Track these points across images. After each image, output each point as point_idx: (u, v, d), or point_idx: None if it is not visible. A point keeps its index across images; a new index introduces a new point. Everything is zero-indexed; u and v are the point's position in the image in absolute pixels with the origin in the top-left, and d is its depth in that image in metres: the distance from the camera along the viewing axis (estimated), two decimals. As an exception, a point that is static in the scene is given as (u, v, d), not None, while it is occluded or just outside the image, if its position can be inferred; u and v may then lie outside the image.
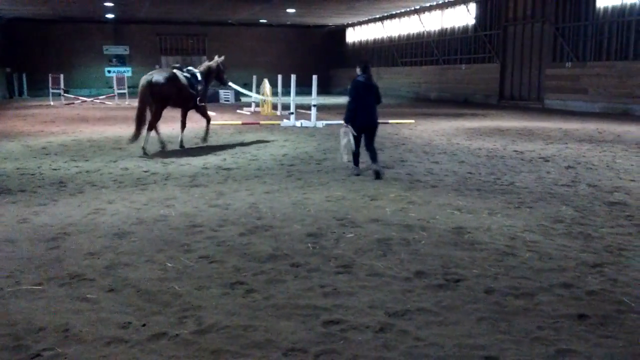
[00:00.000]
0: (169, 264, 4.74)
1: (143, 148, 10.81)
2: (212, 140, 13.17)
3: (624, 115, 19.80)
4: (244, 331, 3.55)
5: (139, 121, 10.76)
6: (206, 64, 12.00)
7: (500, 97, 26.88)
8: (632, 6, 20.46)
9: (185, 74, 11.20)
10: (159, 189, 7.79)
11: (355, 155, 8.71)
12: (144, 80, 10.71)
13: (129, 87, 29.98)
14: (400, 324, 3.62)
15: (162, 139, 11.40)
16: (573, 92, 22.78)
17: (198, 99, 11.40)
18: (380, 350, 3.30)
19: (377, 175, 8.35)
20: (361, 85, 8.40)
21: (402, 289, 4.20)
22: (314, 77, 16.41)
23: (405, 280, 4.38)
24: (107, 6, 30.81)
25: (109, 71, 39.53)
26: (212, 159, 10.35)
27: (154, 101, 10.70)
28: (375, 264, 4.71)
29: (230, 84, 12.07)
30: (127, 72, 38.02)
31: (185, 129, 12.01)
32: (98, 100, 29.33)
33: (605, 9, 21.58)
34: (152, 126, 10.92)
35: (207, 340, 3.43)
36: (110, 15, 35.92)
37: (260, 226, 5.83)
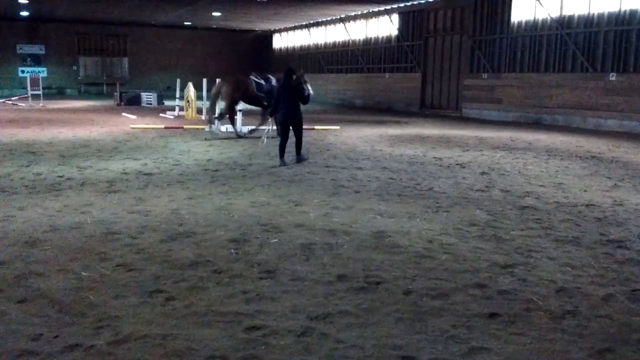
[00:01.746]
0: (84, 273, 4.56)
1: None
2: (132, 145, 12.79)
3: (535, 124, 21.00)
4: (163, 340, 3.47)
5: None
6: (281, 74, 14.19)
7: (421, 105, 27.78)
8: (544, 21, 21.78)
9: (257, 80, 13.66)
10: (74, 195, 7.48)
11: (280, 148, 10.24)
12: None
13: (43, 88, 28.55)
14: (322, 328, 3.66)
15: (235, 129, 14.40)
16: (489, 102, 23.92)
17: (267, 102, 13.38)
18: (301, 354, 3.33)
19: (298, 160, 10.30)
20: (283, 88, 10.32)
21: (324, 292, 4.25)
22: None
23: (327, 284, 4.43)
24: (21, 3, 29.24)
25: (22, 71, 37.43)
26: (131, 164, 10.05)
27: (225, 98, 13.90)
28: (298, 268, 4.74)
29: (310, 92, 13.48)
30: (42, 72, 36.19)
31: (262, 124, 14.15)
32: (10, 102, 27.74)
33: (519, 23, 22.84)
34: (223, 117, 14.50)
35: (124, 351, 3.33)
36: (24, 13, 34.12)
37: (182, 232, 5.72)
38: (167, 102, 29.17)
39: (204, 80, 20.05)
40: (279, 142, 10.39)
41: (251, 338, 3.52)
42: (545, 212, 6.94)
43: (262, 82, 13.64)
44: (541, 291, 4.36)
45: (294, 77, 10.48)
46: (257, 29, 43.21)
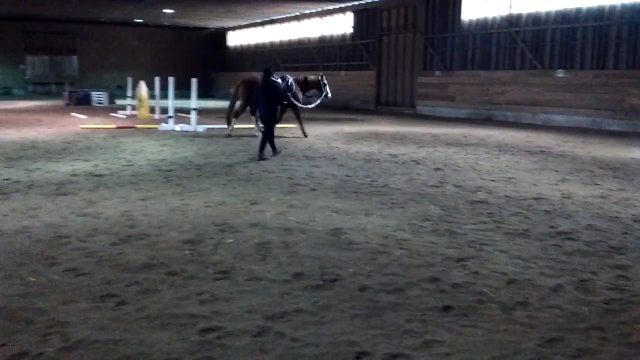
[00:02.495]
0: (32, 279, 4.40)
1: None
2: (82, 145, 12.45)
3: (487, 121, 21.51)
4: (114, 345, 3.39)
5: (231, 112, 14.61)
6: (306, 75, 15.13)
7: (376, 103, 28.04)
8: (493, 19, 22.30)
9: (274, 79, 13.57)
10: (21, 198, 7.22)
11: (261, 142, 10.79)
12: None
13: (-13, 88, 27.45)
14: (278, 327, 3.64)
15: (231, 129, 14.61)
16: (442, 99, 24.36)
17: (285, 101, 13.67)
18: (257, 355, 3.30)
19: (273, 154, 10.84)
20: (260, 87, 10.95)
21: (281, 291, 4.23)
22: (193, 80, 16.09)
23: (283, 282, 4.42)
24: (-40, -1, 28.06)
25: (-36, 71, 35.94)
26: (81, 165, 9.77)
27: (242, 97, 14.29)
28: (254, 268, 4.71)
29: (329, 93, 14.93)
30: (-14, 72, 34.81)
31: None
32: (-49, 102, 26.59)
33: (470, 22, 23.32)
34: (238, 115, 14.64)
35: (74, 357, 3.23)
36: (-36, 9, 32.73)
37: (134, 235, 5.60)
38: (118, 101, 28.53)
39: (156, 79, 19.69)
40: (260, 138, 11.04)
41: (206, 340, 3.47)
42: (496, 206, 7.10)
43: (280, 81, 13.97)
44: (493, 283, 4.46)
45: (272, 77, 11.11)
46: (210, 27, 42.72)
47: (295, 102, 13.93)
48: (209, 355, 3.29)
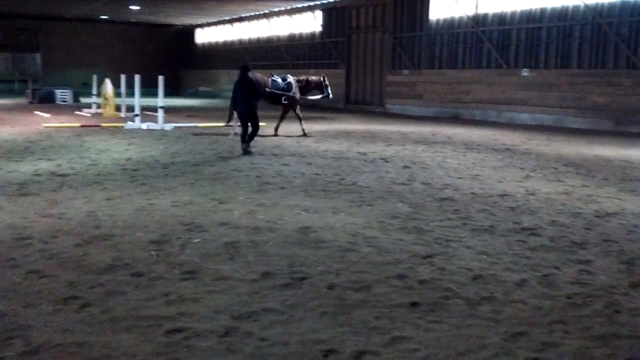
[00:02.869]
0: (-9, 282, 4.28)
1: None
2: (45, 144, 12.16)
3: (454, 119, 21.79)
4: (78, 348, 3.32)
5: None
6: (308, 76, 15.21)
7: (346, 101, 28.13)
8: (460, 19, 22.59)
9: (275, 79, 14.27)
10: (-20, 199, 7.00)
11: (241, 136, 11.21)
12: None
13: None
14: (246, 326, 3.62)
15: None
16: (410, 98, 24.58)
17: (285, 101, 14.35)
18: (224, 355, 3.28)
19: (244, 152, 10.97)
20: (237, 82, 11.18)
21: (249, 291, 4.21)
22: (160, 77, 15.87)
23: (251, 282, 4.39)
24: None
25: None
26: (44, 165, 9.54)
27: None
28: (222, 267, 4.67)
29: (330, 94, 15.10)
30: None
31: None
32: None
33: (437, 21, 23.58)
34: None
35: (35, 362, 3.15)
36: None
37: (99, 235, 5.49)
38: (83, 100, 27.96)
39: (122, 77, 19.36)
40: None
41: (172, 341, 3.42)
42: (462, 203, 7.20)
43: (280, 80, 14.38)
44: (459, 279, 4.51)
45: (249, 73, 11.33)
46: (178, 24, 42.20)
47: (285, 101, 14.31)
48: (175, 356, 3.25)
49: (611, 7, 17.99)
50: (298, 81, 14.59)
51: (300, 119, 14.91)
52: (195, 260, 4.82)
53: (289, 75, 14.79)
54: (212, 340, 3.44)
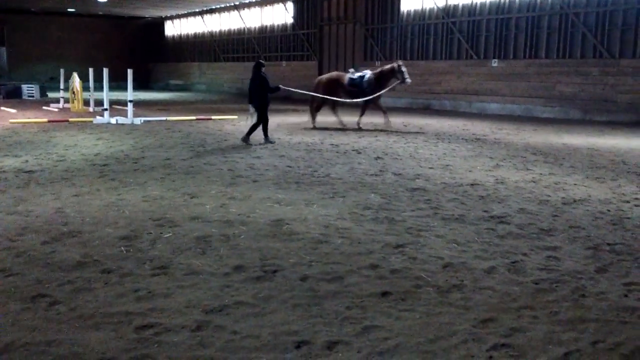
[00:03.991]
0: (-45, 282, 4.18)
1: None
2: (11, 141, 11.89)
3: (426, 110, 21.95)
4: (47, 347, 3.26)
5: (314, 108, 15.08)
6: (381, 68, 15.05)
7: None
8: (431, 10, 22.72)
9: (351, 76, 14.72)
10: (-57, 197, 6.82)
11: (250, 128, 11.74)
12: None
13: None
14: (218, 320, 3.61)
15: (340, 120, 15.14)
16: (383, 89, 24.62)
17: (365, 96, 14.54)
18: (196, 349, 3.26)
19: (265, 142, 11.69)
20: (251, 78, 11.80)
21: (221, 284, 4.19)
22: (129, 71, 15.63)
23: (223, 275, 4.37)
24: None
25: None
26: (11, 162, 9.33)
27: (322, 91, 14.81)
28: (193, 262, 4.64)
29: (407, 81, 14.59)
30: None
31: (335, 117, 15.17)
32: None
33: (409, 13, 23.68)
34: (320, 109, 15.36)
35: (2, 362, 3.09)
36: None
37: (67, 232, 5.40)
38: (50, 94, 27.37)
39: (90, 70, 19.01)
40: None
41: (143, 337, 3.39)
42: (433, 193, 7.27)
43: (356, 77, 14.60)
44: (430, 268, 4.56)
45: (263, 69, 11.73)
46: (147, 16, 41.55)
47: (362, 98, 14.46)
48: (145, 352, 3.22)
49: (577, -3, 18.30)
50: (381, 72, 14.63)
51: (366, 110, 14.95)
52: (166, 255, 4.78)
53: (367, 70, 14.83)
54: (183, 335, 3.42)
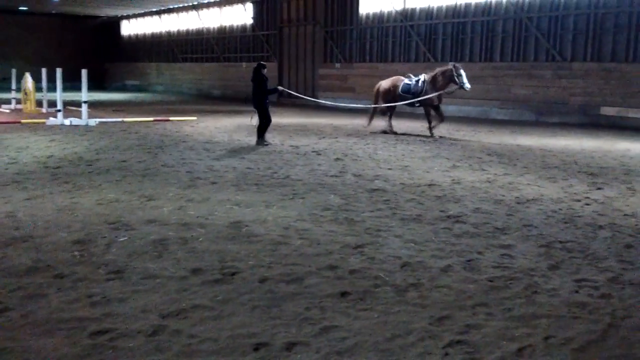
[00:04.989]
0: None
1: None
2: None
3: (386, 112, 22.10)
4: (-4, 356, 3.16)
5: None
6: (439, 70, 13.84)
7: (279, 94, 28.01)
8: (389, 14, 22.98)
9: (407, 82, 14.04)
10: None
11: (258, 131, 12.00)
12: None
13: None
14: (174, 324, 3.56)
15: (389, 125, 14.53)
16: (342, 91, 24.80)
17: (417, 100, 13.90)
18: (152, 354, 3.21)
19: (257, 142, 11.85)
20: (251, 78, 11.99)
21: (178, 288, 4.13)
22: (84, 71, 15.26)
23: (181, 279, 4.31)
24: None
25: None
26: (-42, 164, 8.98)
27: (380, 97, 14.61)
28: (149, 266, 4.56)
29: (466, 83, 13.29)
30: None
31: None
32: None
33: (367, 15, 23.89)
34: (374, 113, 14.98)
35: (-54, 373, 2.98)
36: None
37: (18, 237, 5.22)
38: (1, 95, 26.46)
39: (43, 70, 18.47)
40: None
41: (97, 343, 3.32)
42: (392, 194, 7.36)
43: (411, 82, 13.96)
44: (388, 267, 4.62)
45: (264, 70, 11.87)
46: (102, 15, 40.64)
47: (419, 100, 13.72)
48: (100, 358, 3.15)
49: (532, 2, 18.82)
50: (435, 77, 13.62)
51: (435, 118, 13.83)
52: (122, 260, 4.69)
53: (423, 74, 13.92)
54: (139, 340, 3.36)
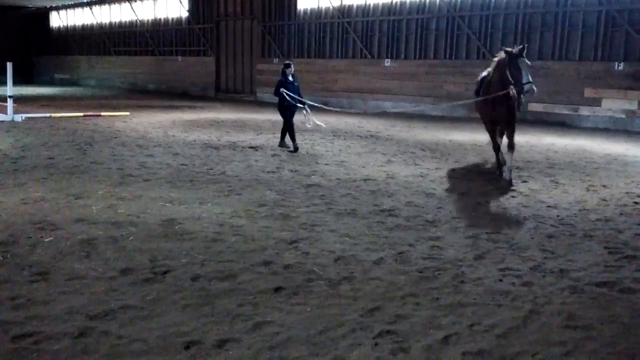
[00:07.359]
0: None
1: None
2: None
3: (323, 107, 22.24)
4: None
5: None
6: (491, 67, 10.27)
7: (216, 89, 27.66)
8: (327, 9, 23.09)
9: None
10: None
11: (289, 135, 11.02)
12: None
13: None
14: (102, 326, 3.47)
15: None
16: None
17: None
18: (78, 356, 3.13)
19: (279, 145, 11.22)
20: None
21: (106, 289, 4.03)
22: (9, 64, 14.52)
23: (109, 279, 4.21)
24: None
25: None
26: None
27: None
28: (77, 266, 4.42)
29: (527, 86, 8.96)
30: None
31: None
32: None
33: (305, 11, 23.91)
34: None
35: None
36: None
37: None
38: None
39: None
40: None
41: (21, 347, 3.20)
42: (328, 189, 7.43)
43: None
44: (322, 261, 4.67)
45: (287, 70, 11.10)
46: (30, 6, 38.74)
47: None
48: (22, 363, 3.04)
49: (464, 1, 19.38)
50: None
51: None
52: (47, 261, 4.52)
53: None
54: (65, 343, 3.26)
